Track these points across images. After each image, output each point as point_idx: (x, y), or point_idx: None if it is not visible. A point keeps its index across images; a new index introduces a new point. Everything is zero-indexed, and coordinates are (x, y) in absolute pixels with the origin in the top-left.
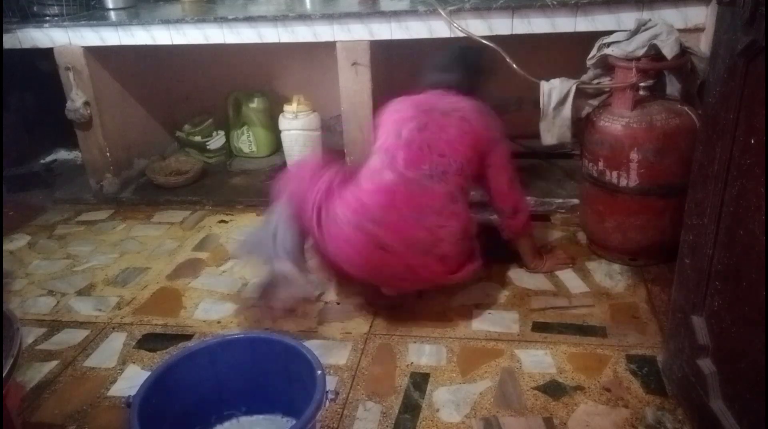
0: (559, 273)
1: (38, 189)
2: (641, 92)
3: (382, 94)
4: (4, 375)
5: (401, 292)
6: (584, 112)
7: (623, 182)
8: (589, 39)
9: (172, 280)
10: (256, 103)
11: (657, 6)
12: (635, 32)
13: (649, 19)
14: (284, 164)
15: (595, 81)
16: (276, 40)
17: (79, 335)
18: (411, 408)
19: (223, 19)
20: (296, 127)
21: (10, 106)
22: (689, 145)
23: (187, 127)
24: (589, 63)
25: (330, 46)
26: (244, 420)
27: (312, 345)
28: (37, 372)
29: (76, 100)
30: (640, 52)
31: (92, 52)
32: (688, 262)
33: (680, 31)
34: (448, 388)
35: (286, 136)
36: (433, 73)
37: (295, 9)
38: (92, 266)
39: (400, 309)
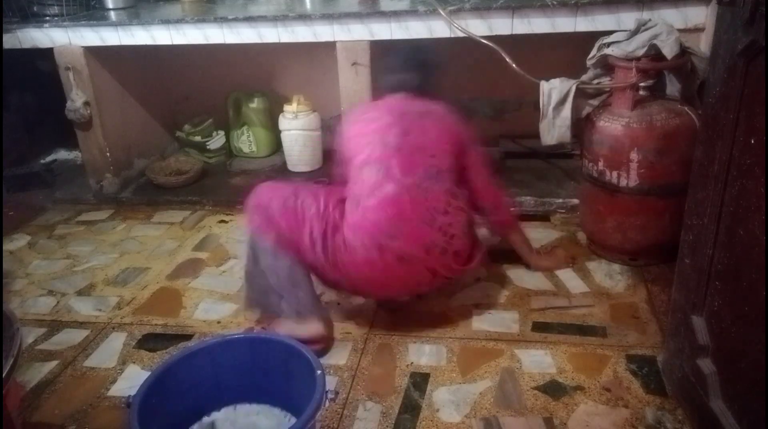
0: (559, 273)
1: (38, 189)
2: (641, 92)
3: (382, 94)
4: (4, 375)
5: (414, 295)
6: (584, 112)
7: (623, 182)
8: (589, 39)
9: (172, 280)
10: (256, 103)
11: (657, 6)
12: (635, 32)
13: (649, 19)
14: (284, 165)
15: (595, 81)
16: (276, 40)
17: (79, 335)
18: (411, 408)
19: (223, 19)
20: (296, 127)
21: (10, 106)
22: (689, 145)
23: (187, 127)
24: (589, 63)
25: (330, 46)
26: (241, 408)
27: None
28: (37, 372)
29: (76, 100)
30: (640, 52)
31: (92, 52)
32: (688, 262)
33: (680, 31)
34: (448, 388)
35: (286, 136)
36: (390, 75)
37: (295, 9)
38: (92, 266)
39: (400, 309)
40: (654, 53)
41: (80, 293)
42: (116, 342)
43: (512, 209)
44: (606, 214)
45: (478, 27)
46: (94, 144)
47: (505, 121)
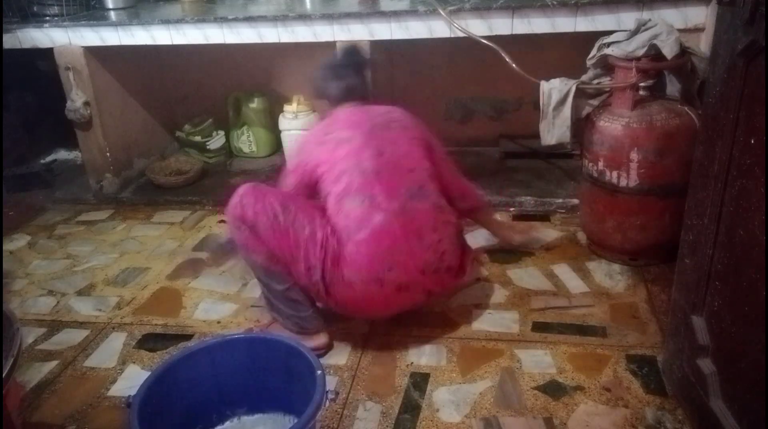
0: (559, 273)
1: (38, 189)
2: (641, 92)
3: (382, 94)
4: (4, 375)
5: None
6: (584, 112)
7: (623, 182)
8: (589, 39)
9: (172, 280)
10: (256, 103)
11: (657, 6)
12: (635, 32)
13: (649, 19)
14: (283, 165)
15: (595, 81)
16: (276, 40)
17: (79, 335)
18: (411, 408)
19: (223, 19)
20: (296, 127)
21: (10, 106)
22: (689, 145)
23: (187, 127)
24: (589, 63)
25: (330, 46)
26: (246, 419)
27: None
28: (37, 372)
29: (76, 100)
30: (640, 52)
31: (92, 52)
32: (688, 262)
33: (680, 31)
34: (448, 388)
35: (286, 136)
36: (336, 82)
37: (295, 9)
38: (92, 266)
39: None
40: (654, 53)
41: (80, 293)
42: (116, 342)
43: (479, 193)
44: (606, 214)
45: (478, 27)
46: (94, 144)
47: (505, 121)
